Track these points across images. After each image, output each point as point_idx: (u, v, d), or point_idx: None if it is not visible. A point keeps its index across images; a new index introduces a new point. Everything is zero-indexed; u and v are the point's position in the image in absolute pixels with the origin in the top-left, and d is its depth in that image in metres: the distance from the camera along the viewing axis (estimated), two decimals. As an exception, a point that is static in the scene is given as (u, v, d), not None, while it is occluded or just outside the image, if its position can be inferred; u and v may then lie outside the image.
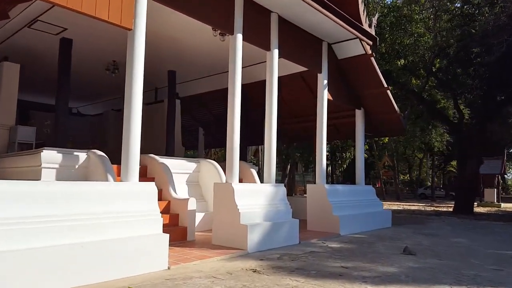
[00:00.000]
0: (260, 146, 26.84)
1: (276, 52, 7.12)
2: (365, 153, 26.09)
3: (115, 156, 8.01)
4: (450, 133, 18.39)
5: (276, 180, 7.09)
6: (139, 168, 7.71)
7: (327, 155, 31.43)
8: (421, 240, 7.59)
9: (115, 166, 6.99)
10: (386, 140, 21.43)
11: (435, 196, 31.38)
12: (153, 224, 4.90)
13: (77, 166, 6.45)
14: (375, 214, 9.30)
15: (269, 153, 6.95)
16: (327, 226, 8.02)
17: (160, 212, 6.71)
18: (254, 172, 8.91)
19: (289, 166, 23.56)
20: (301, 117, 11.47)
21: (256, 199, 6.35)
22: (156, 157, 7.47)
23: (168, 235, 4.95)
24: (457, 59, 15.19)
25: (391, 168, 44.18)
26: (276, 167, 13.21)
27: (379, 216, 9.48)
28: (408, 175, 47.90)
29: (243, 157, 10.42)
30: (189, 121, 14.09)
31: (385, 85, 9.23)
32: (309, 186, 8.50)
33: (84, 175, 6.54)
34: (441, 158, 39.10)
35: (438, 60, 15.56)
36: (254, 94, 10.28)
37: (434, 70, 15.81)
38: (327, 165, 31.90)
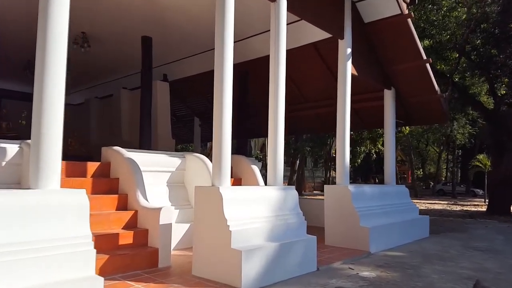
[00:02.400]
0: (266, 139, 24.97)
1: (283, 3, 5.12)
2: (375, 146, 23.98)
3: (97, 150, 6.16)
4: (486, 121, 16.12)
5: (283, 177, 5.12)
6: (99, 166, 5.84)
7: (335, 150, 29.37)
8: (482, 262, 5.57)
9: (67, 163, 5.10)
10: (407, 130, 19.24)
11: (456, 193, 29.12)
12: (81, 260, 2.97)
13: (3, 164, 4.55)
14: (412, 222, 7.28)
15: (274, 147, 4.98)
16: (352, 241, 6.04)
17: (123, 228, 4.81)
18: (256, 170, 6.94)
19: (297, 162, 21.53)
20: (314, 102, 9.44)
21: (256, 209, 4.40)
22: (122, 150, 5.54)
23: (102, 280, 3.01)
24: (495, 37, 12.98)
25: (404, 162, 41.85)
26: (284, 162, 11.25)
27: (416, 225, 7.46)
28: (421, 170, 45.56)
29: (243, 151, 8.45)
30: (182, 110, 12.15)
31: (424, 57, 7.16)
32: (328, 188, 6.51)
33: (16, 175, 4.65)
34: (460, 152, 36.73)
35: (473, 37, 13.35)
36: (256, 74, 8.31)
37: (467, 49, 13.61)
38: (335, 161, 29.89)
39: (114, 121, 10.70)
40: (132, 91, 10.65)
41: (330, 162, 25.85)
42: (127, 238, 4.57)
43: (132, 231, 4.65)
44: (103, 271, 4.03)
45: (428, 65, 7.27)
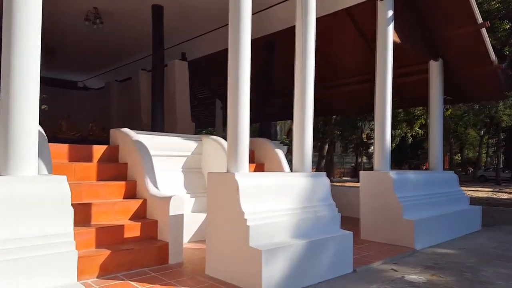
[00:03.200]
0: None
1: (312, -46, 4.26)
2: (412, 129, 22.39)
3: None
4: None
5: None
6: (107, 149, 5.30)
7: (367, 134, 27.86)
8: (556, 263, 4.62)
9: (71, 146, 4.60)
10: (448, 112, 17.75)
11: (500, 179, 27.08)
12: (60, 264, 2.39)
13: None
14: (462, 213, 6.33)
15: (301, 128, 4.22)
16: (393, 235, 5.23)
17: (131, 219, 4.25)
18: (280, 154, 6.20)
19: (326, 146, 20.52)
20: (347, 78, 8.49)
21: (279, 200, 3.68)
22: (130, 132, 4.95)
23: (80, 290, 2.42)
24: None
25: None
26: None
27: (467, 216, 6.49)
28: (459, 155, 43.03)
29: (267, 135, 7.73)
30: (203, 92, 11.52)
31: (480, 20, 6.07)
32: (365, 174, 5.68)
33: None
34: (504, 135, 34.18)
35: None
36: (282, 48, 7.48)
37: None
38: (367, 145, 28.35)
39: (134, 105, 10.26)
40: (151, 73, 10.14)
41: (361, 147, 24.62)
42: (133, 230, 4.00)
43: (140, 223, 4.08)
44: (104, 269, 3.49)
45: (484, 31, 6.16)
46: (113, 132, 5.19)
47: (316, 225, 3.87)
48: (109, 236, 3.80)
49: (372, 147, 30.11)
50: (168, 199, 4.07)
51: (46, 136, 4.02)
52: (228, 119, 3.66)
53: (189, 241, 5.01)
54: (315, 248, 3.62)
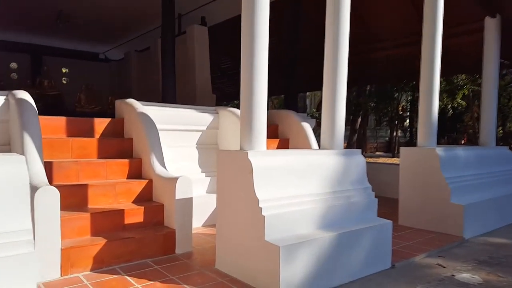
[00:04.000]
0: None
1: None
2: (453, 100, 20.61)
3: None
4: None
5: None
6: (111, 123, 4.78)
7: (403, 106, 26.13)
8: None
9: (69, 119, 4.12)
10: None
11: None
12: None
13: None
14: (518, 196, 5.44)
15: (332, 98, 3.49)
16: (438, 222, 4.49)
17: (134, 202, 3.76)
18: (307, 128, 5.49)
19: (359, 120, 19.41)
20: (386, 41, 7.47)
21: (303, 183, 3.03)
22: (136, 103, 4.40)
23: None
24: None
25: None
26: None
27: (523, 199, 5.59)
28: (501, 129, 40.29)
29: (293, 108, 6.99)
30: (226, 61, 10.81)
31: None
32: (406, 151, 4.89)
33: (3, 135, 3.74)
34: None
35: None
36: (312, 8, 6.61)
37: None
38: (402, 118, 26.66)
39: (153, 76, 9.74)
40: (160, 39, 9.54)
41: (397, 120, 23.23)
42: (136, 215, 3.51)
43: (143, 207, 3.58)
44: (100, 261, 3.03)
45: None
46: (118, 103, 4.67)
47: (349, 213, 3.21)
48: (107, 222, 3.33)
49: (407, 121, 28.51)
50: (174, 180, 3.52)
51: (35, 108, 3.53)
52: (241, 84, 3.01)
53: (203, 225, 4.51)
54: (347, 242, 2.98)
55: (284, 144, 5.65)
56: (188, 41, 8.23)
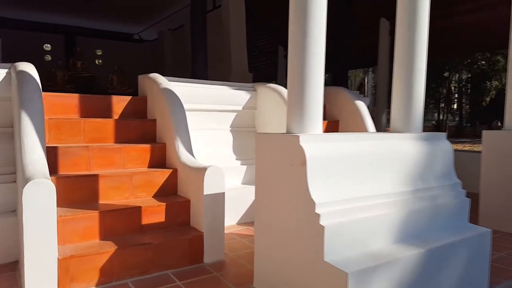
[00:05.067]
0: (367, 76, 21.33)
1: None
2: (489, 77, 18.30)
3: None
4: None
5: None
6: (131, 102, 4.11)
7: (453, 87, 23.87)
8: None
9: (83, 96, 3.52)
10: None
11: None
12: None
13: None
14: None
15: (407, 66, 2.58)
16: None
17: (155, 197, 3.09)
18: (362, 108, 4.58)
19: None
20: (469, 2, 6.19)
21: (375, 180, 2.20)
22: (160, 78, 3.71)
23: None
24: None
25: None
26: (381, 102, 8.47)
27: None
28: None
29: (342, 84, 6.06)
30: (263, 39, 9.94)
31: None
32: (490, 135, 3.88)
33: (7, 116, 3.18)
34: None
35: None
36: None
37: None
38: (450, 100, 24.44)
39: (186, 54, 9.11)
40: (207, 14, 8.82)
41: (448, 101, 21.33)
42: (155, 213, 2.85)
43: (165, 203, 2.90)
44: (108, 273, 2.40)
45: None
46: (141, 78, 4.01)
47: (434, 220, 2.35)
48: (119, 223, 2.69)
49: (456, 103, 26.27)
50: (202, 170, 2.81)
51: (38, 82, 2.92)
52: (290, 48, 2.19)
53: (238, 223, 3.80)
54: (436, 261, 2.13)
55: (333, 127, 4.79)
56: (223, 15, 7.46)
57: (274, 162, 2.18)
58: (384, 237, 2.08)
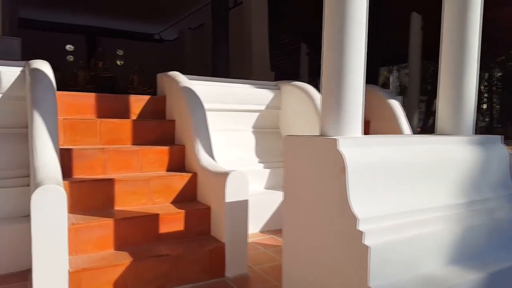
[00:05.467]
0: (392, 75, 20.64)
1: None
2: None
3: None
4: None
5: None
6: (150, 101, 3.92)
7: (483, 86, 22.81)
8: None
9: (100, 96, 3.36)
10: None
11: None
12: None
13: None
14: None
15: (457, 58, 2.27)
16: None
17: (173, 203, 2.88)
18: (396, 107, 4.24)
19: (435, 101, 17.15)
20: None
21: (425, 190, 1.90)
22: (180, 76, 3.50)
23: None
24: None
25: None
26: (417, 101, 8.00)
27: None
28: None
29: (373, 82, 5.72)
30: (285, 36, 9.66)
31: None
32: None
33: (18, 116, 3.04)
34: None
35: None
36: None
37: None
38: (479, 99, 23.36)
39: (207, 54, 8.95)
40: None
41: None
42: (174, 221, 2.63)
43: (184, 210, 2.68)
44: None
45: None
46: (159, 77, 3.82)
47: (493, 237, 2.03)
48: (135, 232, 2.49)
49: (486, 103, 25.13)
50: (223, 175, 2.57)
51: (51, 80, 2.76)
52: (325, 39, 1.92)
53: (261, 231, 3.55)
54: (498, 286, 1.82)
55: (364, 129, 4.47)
56: (245, 12, 7.24)
57: (307, 168, 1.92)
58: (436, 258, 1.79)
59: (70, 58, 10.65)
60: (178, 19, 11.21)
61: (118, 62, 11.81)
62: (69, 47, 10.64)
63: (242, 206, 2.60)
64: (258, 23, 7.25)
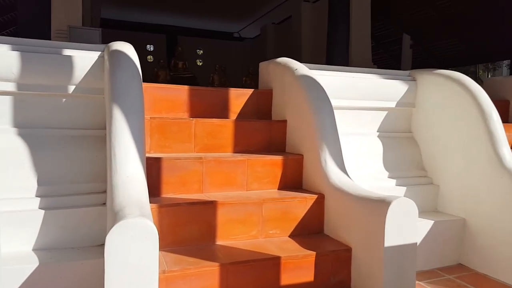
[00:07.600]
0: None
1: None
2: None
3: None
4: None
5: None
6: (253, 96, 3.09)
7: None
8: None
9: (194, 89, 2.69)
10: None
11: None
12: None
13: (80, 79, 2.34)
14: None
15: None
16: None
17: (292, 236, 2.00)
18: None
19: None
20: None
21: None
22: (294, 63, 2.67)
23: None
24: None
25: None
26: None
27: None
28: None
29: None
30: (381, 28, 8.45)
31: None
32: None
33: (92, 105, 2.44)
34: None
35: None
36: None
37: None
38: None
39: (293, 48, 8.15)
40: (315, 4, 7.74)
41: None
42: (300, 269, 1.78)
43: (314, 253, 1.82)
44: None
45: None
46: (264, 66, 3.04)
47: None
48: (247, 283, 1.69)
49: None
50: (379, 204, 1.66)
51: (138, 67, 2.10)
52: None
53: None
54: None
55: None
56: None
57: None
58: None
59: (150, 58, 10.59)
60: (260, 15, 10.60)
61: (198, 62, 11.56)
62: (149, 47, 10.59)
63: (409, 253, 1.67)
64: (359, 10, 6.24)
